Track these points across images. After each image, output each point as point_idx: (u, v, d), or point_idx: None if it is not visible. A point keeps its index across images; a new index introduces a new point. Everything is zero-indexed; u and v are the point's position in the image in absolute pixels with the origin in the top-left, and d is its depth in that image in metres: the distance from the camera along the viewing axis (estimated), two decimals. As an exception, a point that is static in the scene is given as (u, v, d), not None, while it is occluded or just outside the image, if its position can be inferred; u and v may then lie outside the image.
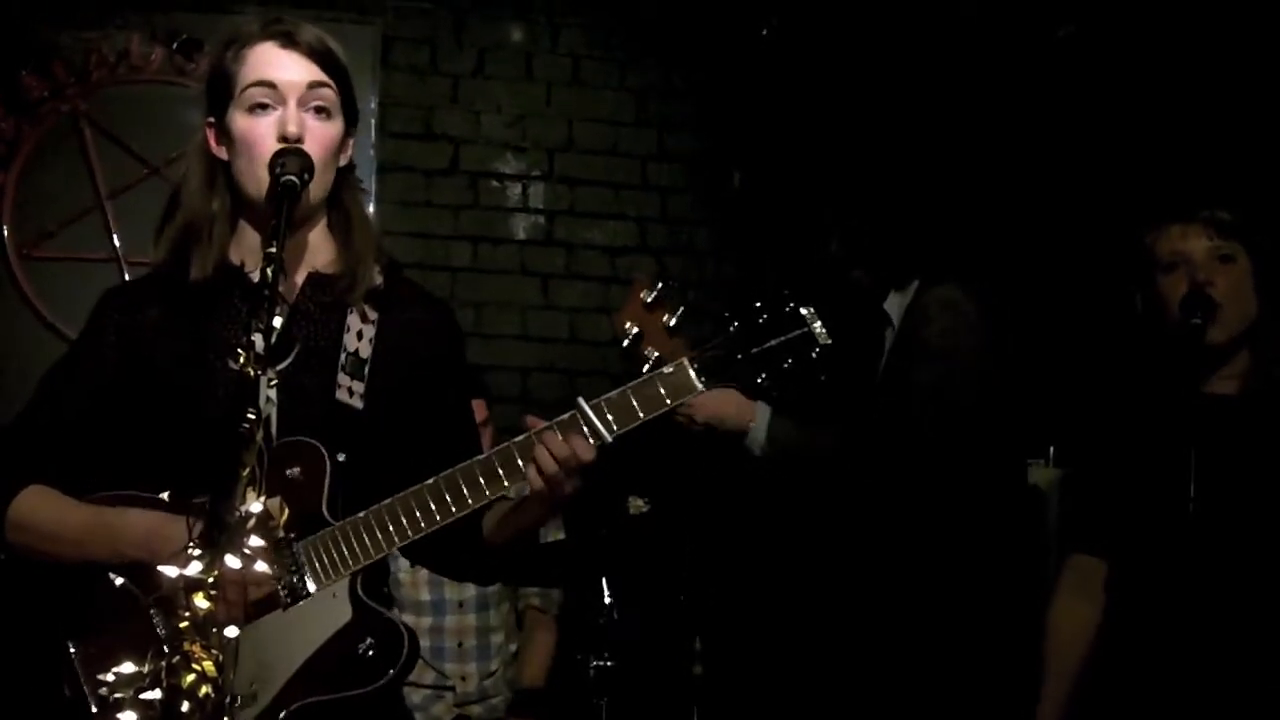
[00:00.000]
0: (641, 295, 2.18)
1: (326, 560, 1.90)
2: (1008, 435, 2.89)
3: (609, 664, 3.66)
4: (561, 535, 3.88)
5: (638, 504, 3.86)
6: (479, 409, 3.82)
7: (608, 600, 3.72)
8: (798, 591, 3.84)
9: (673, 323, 2.12)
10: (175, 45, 4.54)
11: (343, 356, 2.00)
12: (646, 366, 2.11)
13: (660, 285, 2.17)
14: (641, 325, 2.16)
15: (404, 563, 3.48)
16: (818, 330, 1.93)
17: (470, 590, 3.68)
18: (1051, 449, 3.89)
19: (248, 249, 2.01)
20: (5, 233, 4.44)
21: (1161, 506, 2.48)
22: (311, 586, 1.89)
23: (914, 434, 2.72)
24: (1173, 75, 3.83)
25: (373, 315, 2.05)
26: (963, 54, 4.37)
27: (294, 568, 1.88)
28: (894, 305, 2.92)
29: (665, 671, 3.91)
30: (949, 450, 2.71)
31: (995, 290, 2.89)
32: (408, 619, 3.68)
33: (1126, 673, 2.55)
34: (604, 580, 3.74)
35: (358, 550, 1.90)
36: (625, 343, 2.19)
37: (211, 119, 2.01)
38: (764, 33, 4.80)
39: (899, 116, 4.25)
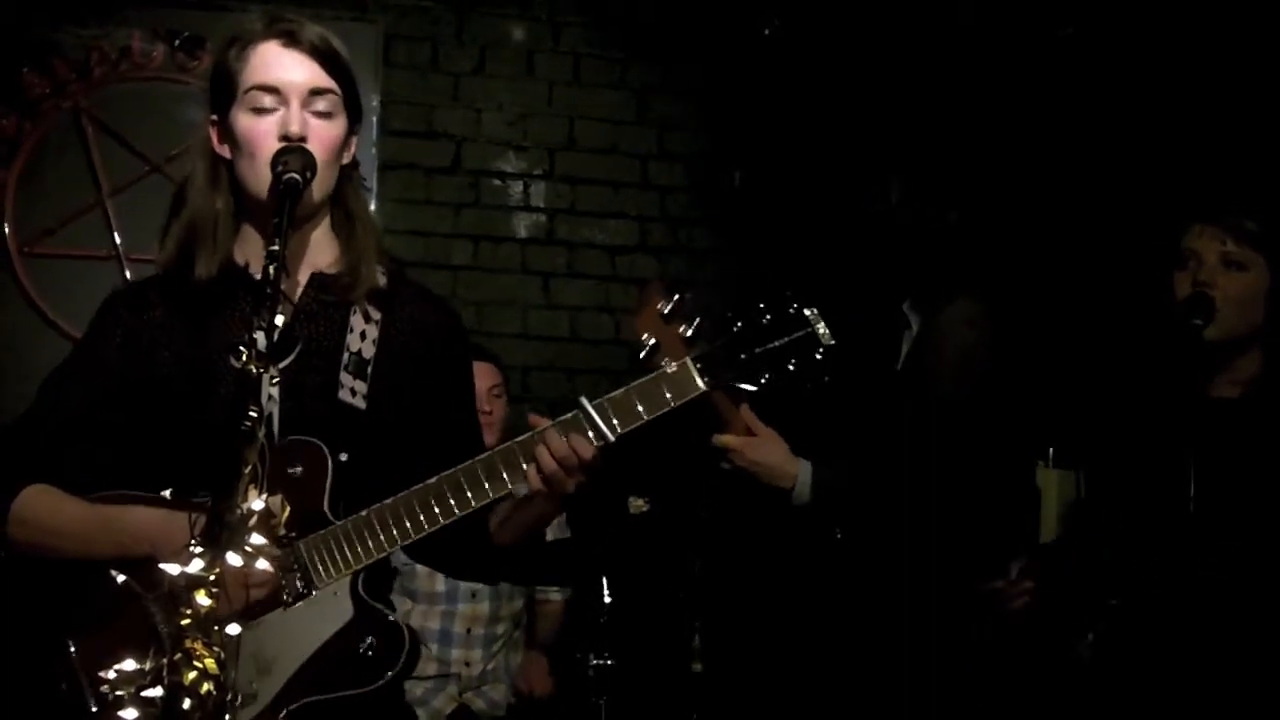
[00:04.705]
0: (658, 306, 2.17)
1: (328, 559, 1.89)
2: (1018, 447, 2.89)
3: (609, 663, 3.68)
4: (566, 534, 3.90)
5: (638, 504, 3.88)
6: (491, 374, 3.86)
7: (607, 599, 3.74)
8: (797, 589, 3.83)
9: (689, 334, 2.10)
10: (177, 43, 4.54)
11: (345, 356, 2.00)
12: None
13: (677, 297, 2.15)
14: (659, 337, 2.14)
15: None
16: (821, 331, 1.94)
17: None
18: (1051, 450, 3.88)
19: (251, 248, 2.00)
20: (7, 230, 4.43)
21: (1161, 509, 2.48)
22: (313, 585, 1.89)
23: (934, 451, 2.71)
24: (1179, 79, 3.82)
25: (376, 315, 2.05)
26: (959, 56, 4.37)
27: (296, 566, 1.88)
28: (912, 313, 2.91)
29: (665, 670, 3.91)
30: (967, 465, 2.71)
31: (1006, 299, 2.88)
32: (421, 609, 3.74)
33: (1125, 674, 2.55)
34: (604, 580, 3.76)
35: (359, 549, 1.90)
36: (642, 354, 2.18)
37: (215, 117, 2.00)
38: (765, 32, 4.80)
39: (897, 115, 4.25)
